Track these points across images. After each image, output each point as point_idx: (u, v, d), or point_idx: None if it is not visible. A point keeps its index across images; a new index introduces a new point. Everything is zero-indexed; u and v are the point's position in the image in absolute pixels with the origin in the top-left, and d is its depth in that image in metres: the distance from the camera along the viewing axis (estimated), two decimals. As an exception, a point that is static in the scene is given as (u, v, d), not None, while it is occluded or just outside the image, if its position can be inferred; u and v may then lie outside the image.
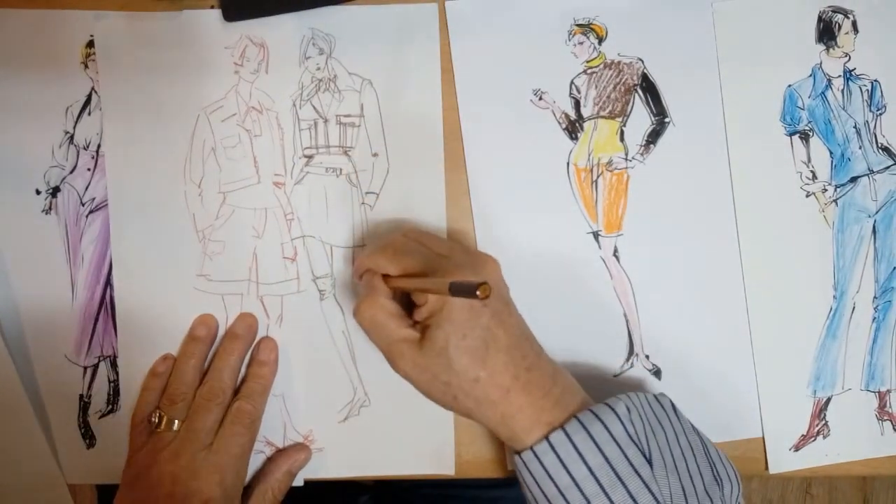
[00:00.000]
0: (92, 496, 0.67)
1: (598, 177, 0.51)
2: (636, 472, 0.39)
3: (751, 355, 0.51)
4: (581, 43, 0.51)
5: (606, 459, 0.39)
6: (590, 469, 0.39)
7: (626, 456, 0.39)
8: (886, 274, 0.51)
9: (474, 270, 0.41)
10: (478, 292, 0.34)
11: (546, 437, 0.40)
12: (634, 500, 0.38)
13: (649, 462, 0.39)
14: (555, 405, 0.41)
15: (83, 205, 0.50)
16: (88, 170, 0.50)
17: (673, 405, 0.44)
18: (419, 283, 0.41)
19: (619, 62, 0.51)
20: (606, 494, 0.39)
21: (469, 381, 0.40)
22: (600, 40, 0.51)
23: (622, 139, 0.51)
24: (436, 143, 0.50)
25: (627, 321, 0.51)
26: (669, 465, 0.40)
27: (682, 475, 0.40)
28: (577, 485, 0.39)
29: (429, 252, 0.43)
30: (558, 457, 0.39)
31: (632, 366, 0.51)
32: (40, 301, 0.50)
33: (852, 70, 0.51)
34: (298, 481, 0.50)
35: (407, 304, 0.44)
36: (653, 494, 0.38)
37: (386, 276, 0.43)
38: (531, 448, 0.40)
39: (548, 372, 0.42)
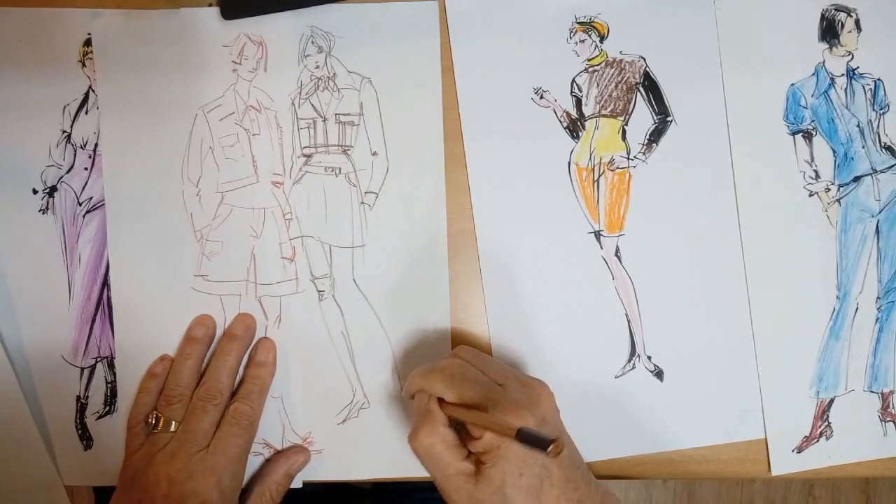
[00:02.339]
0: (89, 498, 0.67)
1: (599, 176, 0.50)
2: None
3: (753, 356, 0.50)
4: (582, 41, 0.50)
5: None
6: None
7: None
8: (890, 274, 0.51)
9: (531, 406, 0.41)
10: (548, 451, 0.34)
11: None
12: None
13: None
14: None
15: (80, 204, 0.50)
16: (85, 169, 0.50)
17: None
18: (482, 419, 0.40)
19: (620, 60, 0.51)
20: None
21: None
22: (602, 38, 0.50)
23: (624, 138, 0.51)
24: (436, 142, 0.50)
25: (629, 322, 0.50)
26: None
27: None
28: None
29: (485, 380, 0.42)
30: None
31: (633, 367, 0.50)
32: (37, 301, 0.50)
33: (855, 69, 0.51)
34: (297, 483, 0.50)
35: (457, 427, 0.43)
36: None
37: (442, 402, 0.43)
38: None
39: (596, 499, 0.42)
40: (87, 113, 0.50)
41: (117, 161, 0.50)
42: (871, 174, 0.51)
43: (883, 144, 0.51)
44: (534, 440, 0.36)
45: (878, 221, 0.51)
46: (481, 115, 0.50)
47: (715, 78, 0.50)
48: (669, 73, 0.50)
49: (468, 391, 0.42)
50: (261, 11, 0.50)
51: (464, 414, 0.41)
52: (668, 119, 0.51)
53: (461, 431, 0.43)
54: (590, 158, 0.51)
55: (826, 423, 0.51)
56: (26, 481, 0.49)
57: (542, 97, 0.50)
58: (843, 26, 0.51)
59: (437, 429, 0.42)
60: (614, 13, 0.50)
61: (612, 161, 0.50)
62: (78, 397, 0.50)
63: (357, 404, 0.50)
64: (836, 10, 0.51)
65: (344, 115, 0.50)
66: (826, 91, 0.51)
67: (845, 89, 0.51)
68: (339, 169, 0.50)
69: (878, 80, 0.51)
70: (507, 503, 0.40)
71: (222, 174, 0.50)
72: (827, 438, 0.51)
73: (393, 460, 0.50)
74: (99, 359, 0.50)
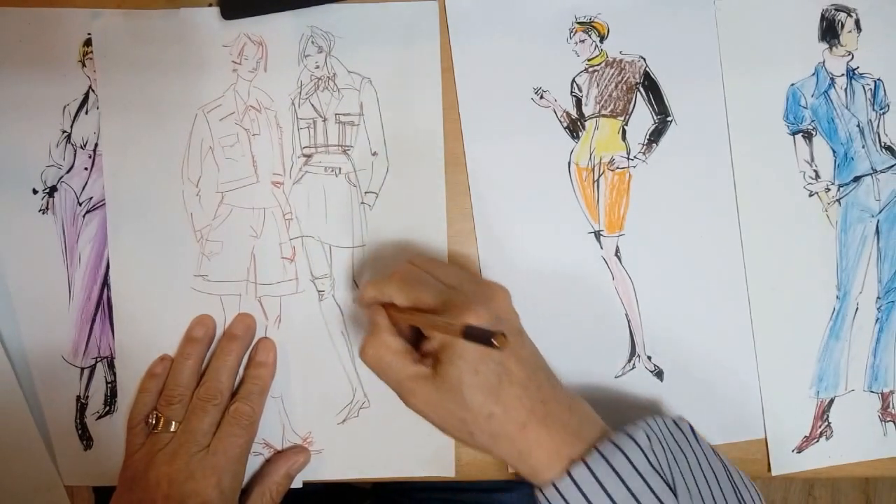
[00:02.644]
0: (89, 498, 0.67)
1: (599, 176, 0.50)
2: (661, 502, 0.38)
3: (753, 356, 0.50)
4: (582, 41, 0.50)
5: (630, 492, 0.38)
6: (614, 502, 0.38)
7: (649, 487, 0.38)
8: (890, 274, 0.51)
9: (484, 304, 0.40)
10: (494, 342, 0.34)
11: (568, 472, 0.39)
12: None
13: (673, 491, 0.38)
14: (574, 437, 0.40)
15: (80, 204, 0.50)
16: (85, 169, 0.50)
17: (692, 429, 0.43)
18: (430, 321, 0.40)
19: (620, 60, 0.51)
20: None
21: (484, 417, 0.40)
22: (602, 38, 0.50)
23: (624, 138, 0.51)
24: (436, 142, 0.50)
25: (629, 322, 0.50)
26: (694, 492, 0.39)
27: (706, 502, 0.39)
28: None
29: (436, 283, 0.42)
30: (582, 492, 0.38)
31: (633, 367, 0.50)
32: (37, 301, 0.50)
33: (855, 69, 0.51)
34: (297, 483, 0.50)
35: (415, 332, 0.44)
36: None
37: (393, 308, 0.42)
38: (553, 484, 0.39)
39: (564, 403, 0.41)
40: (87, 113, 0.50)
41: (117, 161, 0.50)
42: (871, 174, 0.51)
43: (883, 144, 0.51)
44: (479, 335, 0.35)
45: (878, 221, 0.51)
46: (481, 115, 0.50)
47: (715, 78, 0.50)
48: (669, 73, 0.50)
49: (418, 294, 0.41)
50: (261, 11, 0.50)
51: (415, 318, 0.41)
52: (668, 119, 0.51)
53: (420, 338, 0.43)
54: (590, 158, 0.50)
55: (826, 423, 0.51)
56: (26, 481, 0.49)
57: (542, 97, 0.50)
58: (842, 26, 0.51)
59: (384, 339, 0.42)
60: (614, 13, 0.50)
61: (612, 161, 0.50)
62: (78, 397, 0.50)
63: (357, 404, 0.50)
64: (836, 10, 0.51)
65: (344, 115, 0.50)
66: (826, 91, 0.51)
67: (845, 89, 0.51)
68: (339, 169, 0.50)
69: (878, 80, 0.51)
70: (464, 401, 0.40)
71: (222, 174, 0.50)
72: (827, 438, 0.51)
73: (393, 460, 0.50)
74: (99, 359, 0.50)
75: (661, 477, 0.39)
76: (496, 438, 0.40)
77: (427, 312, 0.41)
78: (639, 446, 0.39)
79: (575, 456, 0.40)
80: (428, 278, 0.43)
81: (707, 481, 0.40)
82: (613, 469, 0.38)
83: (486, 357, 0.39)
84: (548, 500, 0.40)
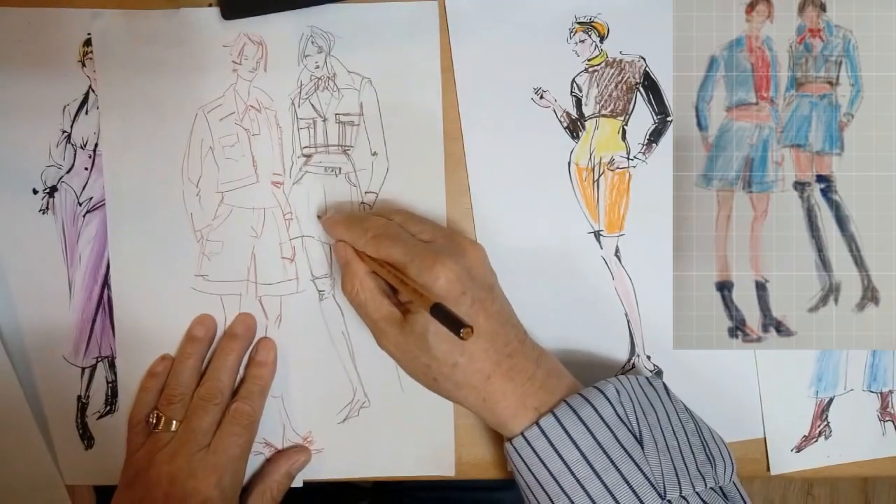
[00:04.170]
0: (90, 497, 0.67)
1: (599, 176, 0.50)
2: (628, 453, 0.39)
3: (752, 356, 0.50)
4: (582, 41, 0.50)
5: (598, 442, 0.39)
6: (581, 453, 0.39)
7: (616, 438, 0.39)
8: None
9: (453, 256, 0.41)
10: (461, 333, 0.34)
11: (536, 423, 0.40)
12: (627, 481, 0.38)
13: (640, 443, 0.39)
14: (540, 389, 0.41)
15: (80, 204, 0.50)
16: (86, 169, 0.50)
17: (666, 388, 0.44)
18: (400, 285, 0.41)
19: (620, 60, 0.51)
20: (599, 477, 0.39)
21: (448, 365, 0.41)
22: (602, 38, 0.50)
23: (624, 138, 0.51)
24: (436, 142, 0.50)
25: (629, 321, 0.50)
26: (661, 445, 0.40)
27: (673, 455, 0.40)
28: (569, 469, 0.39)
29: (410, 237, 0.43)
30: (549, 441, 0.40)
31: (633, 366, 0.50)
32: (38, 301, 0.50)
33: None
34: (297, 482, 0.50)
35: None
36: (645, 475, 0.38)
37: (367, 257, 0.43)
38: (522, 434, 0.40)
39: (531, 356, 0.42)
40: (87, 113, 0.50)
41: (117, 161, 0.50)
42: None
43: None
44: (447, 318, 0.35)
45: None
46: (481, 115, 0.50)
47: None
48: (669, 73, 0.50)
49: (389, 250, 0.42)
50: (261, 11, 0.50)
51: (384, 273, 0.42)
52: (668, 119, 0.51)
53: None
54: (590, 158, 0.51)
55: (825, 423, 0.51)
56: (27, 481, 0.50)
57: (542, 97, 0.50)
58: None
59: (359, 277, 0.43)
60: (614, 13, 0.50)
61: (612, 161, 0.51)
62: (79, 397, 0.50)
63: (357, 403, 0.50)
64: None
65: (344, 115, 0.50)
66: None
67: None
68: (339, 169, 0.50)
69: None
70: (429, 349, 0.41)
71: (222, 174, 0.50)
72: (826, 438, 0.51)
73: (394, 459, 0.50)
74: (99, 358, 0.50)
75: (629, 428, 0.39)
76: (459, 386, 0.41)
77: (398, 268, 0.41)
78: (607, 399, 0.40)
79: (542, 407, 0.41)
80: (401, 232, 0.43)
81: (676, 435, 0.41)
82: (581, 419, 0.39)
83: (453, 309, 0.39)
84: (516, 450, 0.41)
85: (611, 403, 0.40)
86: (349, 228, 0.44)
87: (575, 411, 0.40)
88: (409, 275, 0.41)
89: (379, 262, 0.43)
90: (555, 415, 0.40)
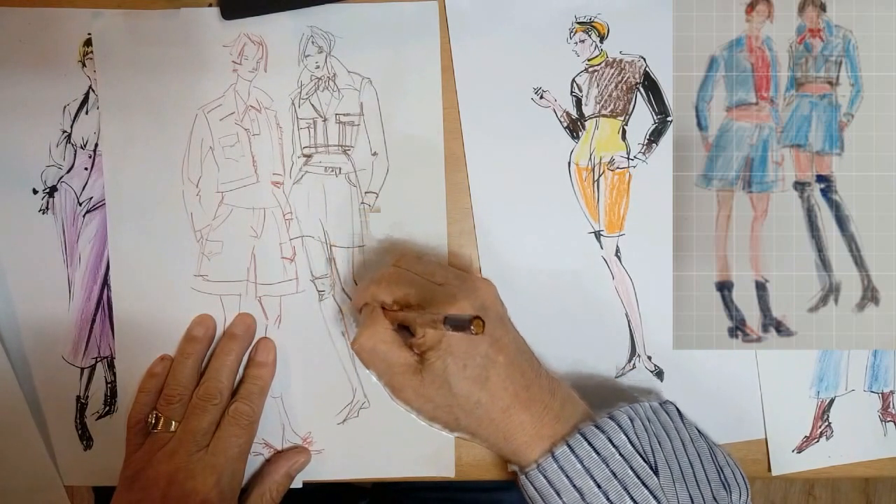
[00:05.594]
0: (89, 498, 0.67)
1: (599, 176, 0.50)
2: (642, 482, 0.39)
3: (754, 356, 0.50)
4: (582, 41, 0.50)
5: (612, 472, 0.39)
6: (596, 482, 0.39)
7: (631, 467, 0.39)
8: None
9: (468, 297, 0.42)
10: (471, 327, 0.35)
11: (550, 452, 0.40)
12: None
13: (655, 472, 0.39)
14: (555, 419, 0.42)
15: (80, 204, 0.50)
16: (86, 169, 0.50)
17: (679, 412, 0.44)
18: (414, 316, 0.42)
19: (620, 60, 0.51)
20: None
21: (472, 404, 0.41)
22: (602, 38, 0.50)
23: (624, 138, 0.51)
24: (436, 142, 0.50)
25: (629, 321, 0.50)
26: (676, 473, 0.40)
27: (689, 483, 0.40)
28: (583, 498, 0.39)
29: (423, 281, 0.43)
30: (563, 471, 0.40)
31: (634, 366, 0.50)
32: (37, 301, 0.50)
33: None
34: (297, 483, 0.50)
35: (404, 331, 0.44)
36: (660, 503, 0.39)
37: (383, 309, 0.44)
38: (536, 463, 0.41)
39: (546, 387, 0.42)
40: (87, 113, 0.50)
41: (117, 161, 0.50)
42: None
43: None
44: (458, 323, 0.36)
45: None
46: (481, 115, 0.50)
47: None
48: (669, 73, 0.50)
49: (405, 293, 0.43)
50: (261, 11, 0.50)
51: (402, 315, 0.43)
52: (668, 119, 0.51)
53: (408, 336, 0.44)
54: (590, 158, 0.50)
55: (826, 423, 0.51)
56: (26, 481, 0.49)
57: (542, 97, 0.50)
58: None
59: (378, 330, 0.43)
60: (614, 13, 0.50)
61: (612, 161, 0.50)
62: (78, 397, 0.50)
63: (357, 404, 0.50)
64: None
65: (344, 115, 0.50)
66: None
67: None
68: (340, 169, 0.50)
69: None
70: (451, 391, 0.41)
71: (222, 174, 0.50)
72: (827, 438, 0.51)
73: (393, 460, 0.50)
74: (99, 359, 0.50)
75: (643, 458, 0.40)
76: (481, 422, 0.42)
77: (414, 309, 0.42)
78: (621, 428, 0.40)
79: (556, 437, 0.41)
80: (413, 277, 0.44)
81: (690, 462, 0.41)
82: (595, 450, 0.40)
83: (472, 351, 0.41)
84: (530, 481, 0.41)
85: (624, 432, 0.40)
86: (365, 287, 0.45)
87: (588, 441, 0.40)
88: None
89: (394, 308, 0.43)
90: (568, 444, 0.40)
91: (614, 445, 0.40)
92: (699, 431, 0.43)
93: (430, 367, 0.41)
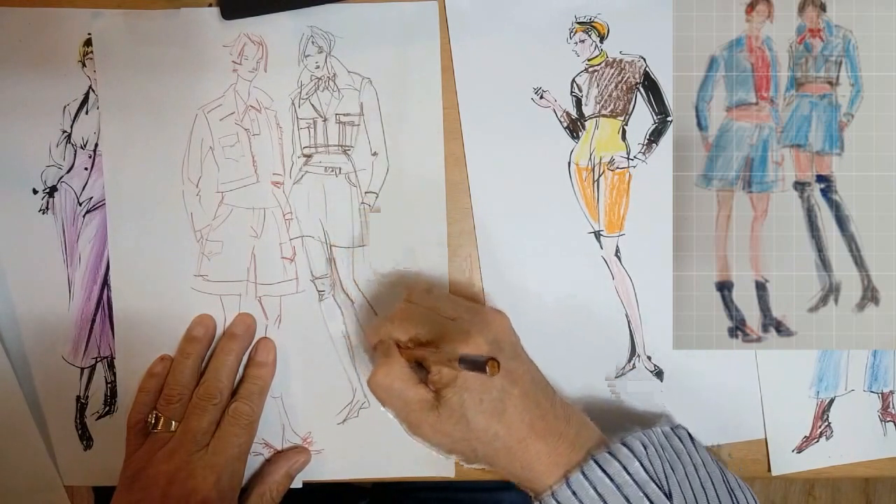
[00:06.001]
0: (89, 498, 0.67)
1: (599, 176, 0.50)
2: None
3: (753, 356, 0.50)
4: (582, 41, 0.50)
5: (626, 499, 0.40)
6: None
7: (645, 494, 0.40)
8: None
9: (481, 332, 0.42)
10: (487, 369, 0.35)
11: (565, 480, 0.41)
12: None
13: (669, 498, 0.40)
14: (570, 447, 0.42)
15: (80, 204, 0.50)
16: (86, 169, 0.50)
17: (690, 436, 0.44)
18: (429, 354, 0.42)
19: (620, 60, 0.51)
20: None
21: (489, 436, 0.42)
22: (602, 38, 0.50)
23: (624, 138, 0.51)
24: (436, 142, 0.50)
25: (629, 321, 0.50)
26: (690, 498, 0.40)
27: None
28: None
29: (436, 317, 0.44)
30: (577, 498, 0.40)
31: (633, 366, 0.50)
32: (37, 301, 0.50)
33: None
34: (297, 483, 0.50)
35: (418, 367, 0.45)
36: None
37: (399, 346, 0.44)
38: (551, 491, 0.41)
39: (561, 415, 0.43)
40: (87, 113, 0.50)
41: (117, 161, 0.50)
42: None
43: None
44: (473, 364, 0.37)
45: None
46: (481, 115, 0.50)
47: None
48: (669, 73, 0.50)
49: (418, 329, 0.43)
50: (261, 11, 0.50)
51: (417, 352, 0.43)
52: (668, 119, 0.51)
53: (423, 373, 0.44)
54: (590, 158, 0.50)
55: (826, 423, 0.51)
56: (26, 481, 0.49)
57: (542, 97, 0.50)
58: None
59: (393, 367, 0.43)
60: (614, 13, 0.50)
61: (612, 161, 0.50)
62: (78, 397, 0.50)
63: (357, 404, 0.50)
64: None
65: (344, 115, 0.50)
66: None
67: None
68: (340, 169, 0.50)
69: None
70: (468, 423, 0.41)
71: (222, 174, 0.50)
72: (827, 438, 0.50)
73: (394, 460, 0.50)
74: (99, 359, 0.50)
75: (657, 484, 0.40)
76: (498, 453, 0.42)
77: (428, 346, 0.43)
78: (634, 454, 0.41)
79: (571, 465, 0.41)
80: (425, 312, 0.44)
81: (703, 487, 0.41)
82: (609, 477, 0.40)
83: (488, 386, 0.41)
84: None
85: (638, 459, 0.40)
86: (378, 326, 0.45)
87: (602, 468, 0.40)
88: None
89: (408, 346, 0.44)
90: (583, 472, 0.40)
91: (628, 472, 0.40)
92: (710, 456, 0.44)
93: (447, 403, 0.42)
